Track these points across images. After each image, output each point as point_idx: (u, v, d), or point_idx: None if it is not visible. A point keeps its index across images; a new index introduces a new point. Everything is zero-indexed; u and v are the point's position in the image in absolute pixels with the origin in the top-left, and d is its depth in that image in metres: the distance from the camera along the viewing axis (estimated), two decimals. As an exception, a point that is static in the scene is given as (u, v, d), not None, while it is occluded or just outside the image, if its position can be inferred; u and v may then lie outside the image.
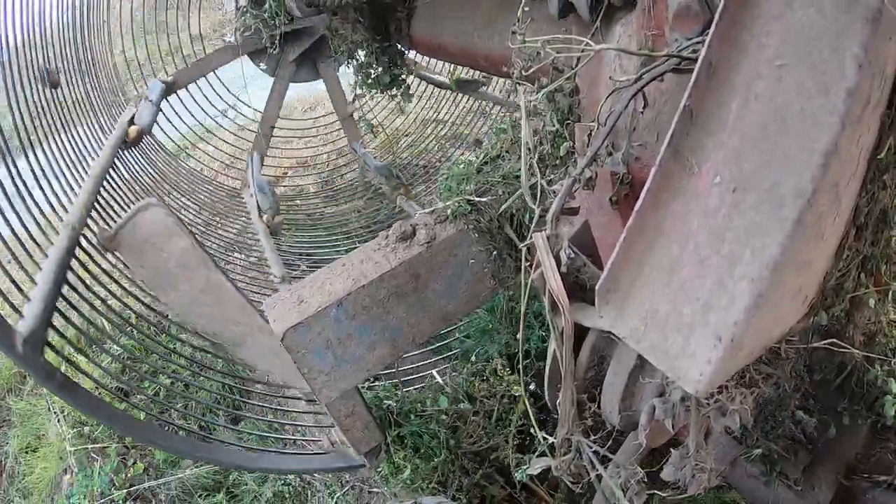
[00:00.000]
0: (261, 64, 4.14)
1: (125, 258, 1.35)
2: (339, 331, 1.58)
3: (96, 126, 3.15)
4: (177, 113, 4.25)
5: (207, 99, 4.22)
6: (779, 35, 0.84)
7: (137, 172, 3.20)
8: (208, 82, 4.14)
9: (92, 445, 3.01)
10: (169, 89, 3.71)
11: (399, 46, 3.05)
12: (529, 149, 1.24)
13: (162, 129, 4.10)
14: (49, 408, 3.28)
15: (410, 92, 3.43)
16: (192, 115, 4.30)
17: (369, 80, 3.24)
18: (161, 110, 3.63)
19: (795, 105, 0.82)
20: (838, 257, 1.25)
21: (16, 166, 2.08)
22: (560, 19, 1.40)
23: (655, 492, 1.21)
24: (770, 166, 0.81)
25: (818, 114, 0.80)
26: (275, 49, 3.82)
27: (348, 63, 3.28)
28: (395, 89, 3.33)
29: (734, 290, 0.80)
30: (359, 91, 3.35)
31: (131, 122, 3.25)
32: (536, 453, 1.25)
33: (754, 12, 0.86)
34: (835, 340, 1.30)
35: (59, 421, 3.16)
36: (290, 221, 4.13)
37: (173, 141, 4.19)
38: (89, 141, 2.91)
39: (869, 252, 1.30)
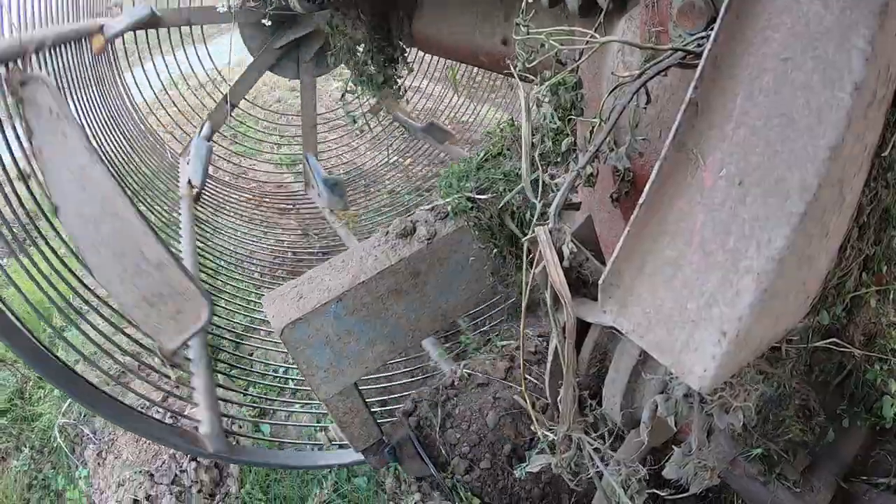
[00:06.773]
0: (280, 71, 4.18)
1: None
2: (338, 327, 1.57)
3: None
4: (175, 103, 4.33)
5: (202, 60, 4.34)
6: (784, 29, 0.83)
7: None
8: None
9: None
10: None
11: (397, 46, 3.04)
12: (532, 144, 1.24)
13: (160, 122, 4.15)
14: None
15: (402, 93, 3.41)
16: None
17: (363, 78, 3.22)
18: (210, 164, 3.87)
19: (801, 99, 0.81)
20: (841, 256, 1.24)
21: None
22: (581, 17, 1.39)
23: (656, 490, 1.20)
24: (776, 160, 0.80)
25: (824, 108, 0.79)
26: (281, 50, 3.82)
27: (347, 60, 3.26)
28: (387, 90, 3.31)
29: (739, 284, 0.80)
30: (350, 88, 3.34)
31: (189, 183, 3.56)
32: (536, 450, 1.24)
33: (760, 6, 0.85)
34: (836, 340, 1.30)
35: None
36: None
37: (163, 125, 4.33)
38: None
39: (871, 251, 1.29)
